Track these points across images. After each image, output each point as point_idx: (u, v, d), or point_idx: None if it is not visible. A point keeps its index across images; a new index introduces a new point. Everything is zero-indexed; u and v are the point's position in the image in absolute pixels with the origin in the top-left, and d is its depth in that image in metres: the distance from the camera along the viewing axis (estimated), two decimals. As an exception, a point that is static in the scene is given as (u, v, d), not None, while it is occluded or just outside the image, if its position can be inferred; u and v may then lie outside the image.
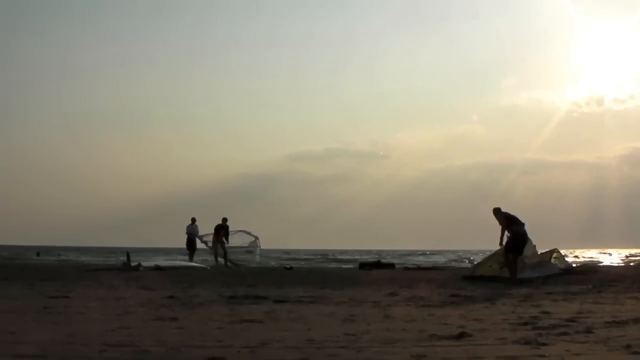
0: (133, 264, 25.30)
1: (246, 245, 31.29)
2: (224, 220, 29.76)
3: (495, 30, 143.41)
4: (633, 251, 79.13)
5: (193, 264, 27.85)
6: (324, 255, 66.12)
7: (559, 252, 20.47)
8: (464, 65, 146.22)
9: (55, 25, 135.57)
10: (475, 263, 20.91)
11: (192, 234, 30.19)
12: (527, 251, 18.82)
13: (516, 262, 17.91)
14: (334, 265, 41.79)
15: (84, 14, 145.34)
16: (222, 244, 29.31)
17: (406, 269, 28.53)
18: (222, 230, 29.41)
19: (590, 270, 22.72)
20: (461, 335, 7.52)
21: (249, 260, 30.65)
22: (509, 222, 18.11)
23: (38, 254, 56.22)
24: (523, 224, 18.26)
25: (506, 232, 18.00)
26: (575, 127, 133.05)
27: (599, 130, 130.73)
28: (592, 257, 53.91)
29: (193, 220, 30.54)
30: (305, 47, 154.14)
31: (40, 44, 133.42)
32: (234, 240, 30.74)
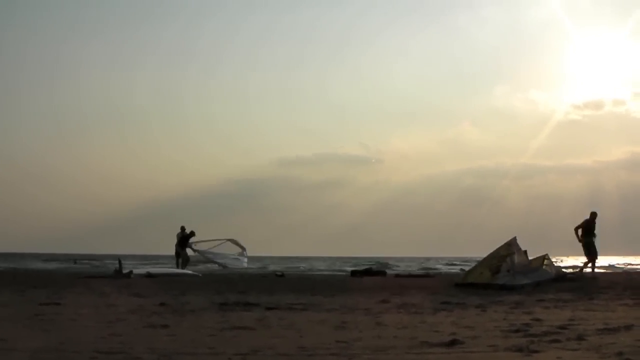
0: (125, 271, 25.27)
1: (234, 254, 31.70)
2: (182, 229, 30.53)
3: (491, 32, 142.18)
4: (631, 259, 78.88)
5: (184, 271, 27.85)
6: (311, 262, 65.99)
7: (549, 258, 20.51)
8: (458, 68, 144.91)
9: (43, 25, 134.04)
10: (466, 270, 20.94)
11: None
12: (516, 258, 18.88)
13: None
14: (325, 272, 41.76)
15: (73, 14, 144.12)
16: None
17: (397, 276, 28.55)
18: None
19: (581, 277, 22.79)
20: (453, 343, 7.52)
21: (236, 265, 31.09)
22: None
23: (75, 262, 55.66)
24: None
25: None
26: (572, 131, 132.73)
27: (598, 134, 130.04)
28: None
29: (182, 229, 30.69)
30: (296, 49, 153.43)
31: (29, 45, 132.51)
32: (223, 249, 31.33)
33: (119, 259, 28.04)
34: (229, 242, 31.78)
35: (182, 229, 30.39)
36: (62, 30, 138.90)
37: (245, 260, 32.18)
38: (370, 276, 27.23)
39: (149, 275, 24.69)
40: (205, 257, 30.74)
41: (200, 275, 26.62)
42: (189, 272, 27.47)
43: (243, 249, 31.97)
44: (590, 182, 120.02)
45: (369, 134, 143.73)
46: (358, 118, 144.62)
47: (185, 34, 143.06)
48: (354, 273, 29.92)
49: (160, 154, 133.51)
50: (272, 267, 46.50)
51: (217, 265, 30.71)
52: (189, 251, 30.55)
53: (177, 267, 29.64)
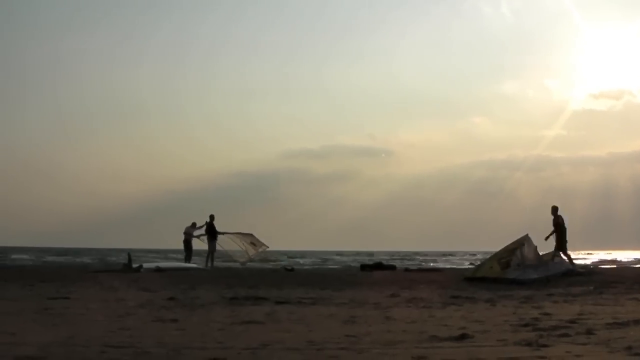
0: (134, 265, 25.33)
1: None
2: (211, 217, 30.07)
3: (504, 21, 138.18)
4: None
5: (193, 265, 27.89)
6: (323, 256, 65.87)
7: (559, 255, 20.47)
8: (470, 57, 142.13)
9: (44, 22, 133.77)
10: (476, 264, 20.72)
11: (189, 234, 30.24)
12: (526, 250, 18.84)
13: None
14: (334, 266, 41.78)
15: (74, 10, 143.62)
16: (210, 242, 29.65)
17: (407, 270, 28.51)
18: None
19: (591, 271, 22.74)
20: (462, 337, 7.51)
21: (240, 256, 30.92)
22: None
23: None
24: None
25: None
26: (586, 122, 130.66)
27: (613, 126, 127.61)
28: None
29: (194, 224, 30.56)
30: (302, 40, 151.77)
31: (30, 41, 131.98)
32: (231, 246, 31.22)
33: (129, 253, 28.07)
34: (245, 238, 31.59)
35: (212, 217, 29.85)
36: (63, 27, 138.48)
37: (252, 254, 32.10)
38: (380, 270, 27.25)
39: (158, 270, 24.74)
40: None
41: (209, 269, 26.67)
42: (198, 266, 27.53)
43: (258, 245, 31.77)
44: (604, 175, 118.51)
45: (378, 126, 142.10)
46: (366, 109, 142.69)
47: (188, 28, 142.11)
48: (363, 267, 29.92)
49: (164, 149, 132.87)
50: (281, 262, 46.56)
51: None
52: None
53: (186, 261, 29.51)
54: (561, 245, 20.54)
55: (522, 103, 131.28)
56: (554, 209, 20.98)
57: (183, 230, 30.23)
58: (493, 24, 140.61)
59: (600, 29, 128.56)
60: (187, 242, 30.14)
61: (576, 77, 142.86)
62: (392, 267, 29.74)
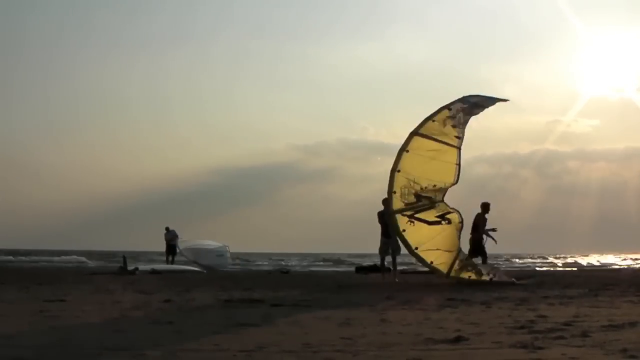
0: (129, 267, 25.35)
1: (216, 247, 31.84)
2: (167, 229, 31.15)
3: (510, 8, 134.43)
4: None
5: (189, 267, 27.96)
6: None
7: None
8: (473, 43, 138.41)
9: (27, 16, 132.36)
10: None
11: (171, 240, 30.96)
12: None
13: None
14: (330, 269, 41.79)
15: (57, 8, 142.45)
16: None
17: (402, 272, 28.49)
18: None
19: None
20: (457, 339, 7.51)
21: (221, 265, 31.08)
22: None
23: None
24: None
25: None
26: (602, 114, 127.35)
27: (629, 118, 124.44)
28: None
29: (167, 229, 31.22)
30: (287, 30, 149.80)
31: (14, 40, 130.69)
32: (204, 242, 31.71)
33: (124, 255, 28.11)
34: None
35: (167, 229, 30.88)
36: (49, 25, 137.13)
37: (228, 256, 32.36)
38: (375, 272, 27.23)
39: (154, 272, 24.78)
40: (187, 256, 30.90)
41: (205, 271, 26.70)
42: (194, 268, 27.56)
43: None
44: (618, 170, 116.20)
45: (371, 118, 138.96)
46: (359, 100, 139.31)
47: (174, 23, 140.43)
48: (358, 269, 29.93)
49: (147, 145, 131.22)
50: (278, 263, 46.57)
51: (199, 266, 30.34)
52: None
53: (168, 264, 30.08)
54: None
55: (530, 92, 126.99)
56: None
57: (164, 238, 30.88)
58: (503, 8, 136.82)
59: (615, 18, 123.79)
60: (172, 246, 30.70)
61: (589, 67, 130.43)
62: (388, 270, 29.71)
